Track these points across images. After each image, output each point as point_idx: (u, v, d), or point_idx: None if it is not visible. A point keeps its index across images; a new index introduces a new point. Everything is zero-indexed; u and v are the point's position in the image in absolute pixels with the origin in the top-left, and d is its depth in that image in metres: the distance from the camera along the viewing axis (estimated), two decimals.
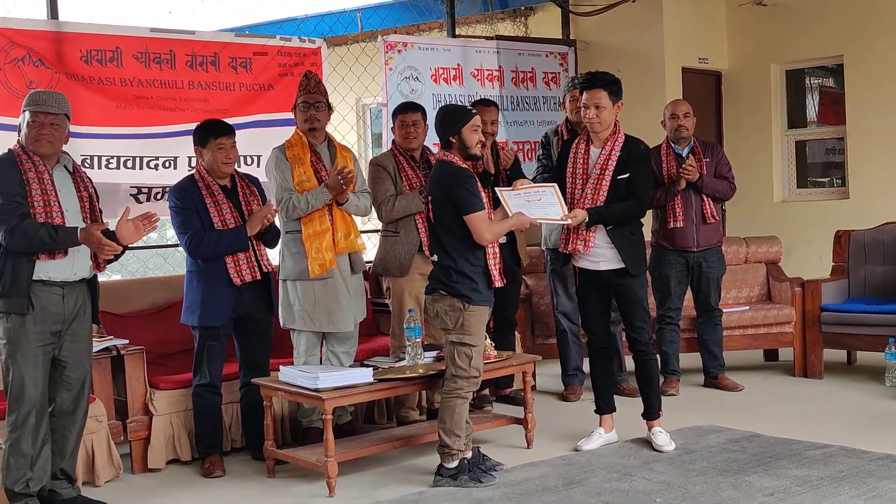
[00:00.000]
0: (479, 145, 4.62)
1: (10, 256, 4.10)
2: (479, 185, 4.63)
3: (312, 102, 5.19)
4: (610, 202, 4.86)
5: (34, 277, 4.12)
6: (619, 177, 4.87)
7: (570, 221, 4.81)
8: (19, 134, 4.23)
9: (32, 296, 4.12)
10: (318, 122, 5.21)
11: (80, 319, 4.31)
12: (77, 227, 4.17)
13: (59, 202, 4.20)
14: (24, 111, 4.21)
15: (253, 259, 4.91)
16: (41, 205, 4.14)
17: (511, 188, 4.81)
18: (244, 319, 4.97)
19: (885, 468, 4.45)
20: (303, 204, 5.04)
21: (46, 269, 4.16)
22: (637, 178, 4.91)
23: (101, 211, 4.46)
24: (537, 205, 4.74)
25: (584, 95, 4.92)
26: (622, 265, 4.91)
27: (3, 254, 4.11)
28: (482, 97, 6.56)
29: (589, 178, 4.91)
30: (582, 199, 4.88)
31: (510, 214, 4.68)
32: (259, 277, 4.92)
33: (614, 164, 4.88)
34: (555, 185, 4.81)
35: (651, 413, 5.08)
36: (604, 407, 5.14)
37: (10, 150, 4.24)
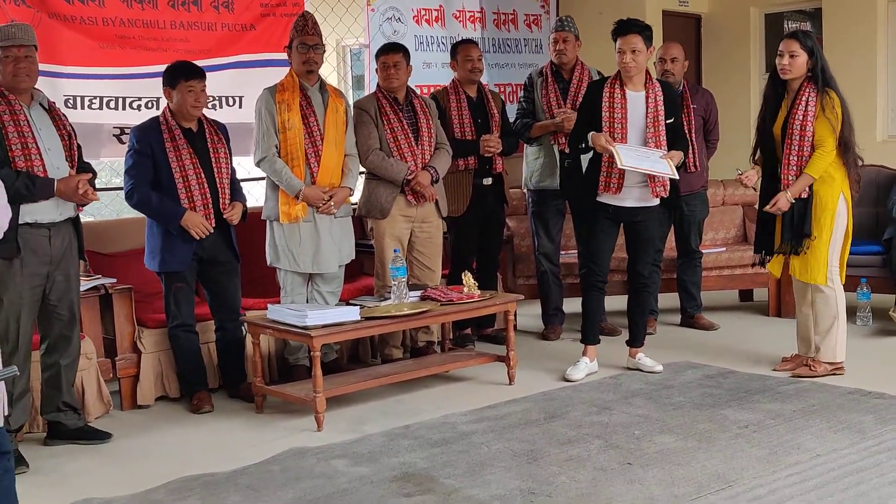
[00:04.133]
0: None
1: None
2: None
3: (311, 45, 5.18)
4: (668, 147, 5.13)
5: (20, 221, 4.12)
6: (667, 122, 5.11)
7: (677, 176, 5.04)
8: None
9: (20, 239, 4.13)
10: (316, 65, 5.22)
11: (67, 259, 4.36)
12: (54, 180, 4.17)
13: (36, 143, 4.17)
14: None
15: (210, 208, 4.90)
16: (19, 147, 4.11)
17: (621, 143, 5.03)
18: (209, 262, 5.00)
19: (854, 402, 4.61)
20: (276, 176, 5.11)
21: (33, 211, 4.18)
22: (679, 121, 5.29)
23: (79, 147, 4.46)
24: (646, 158, 4.98)
25: (619, 41, 5.06)
26: (646, 203, 5.14)
27: None
28: (464, 38, 6.59)
29: (637, 124, 5.07)
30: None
31: (618, 160, 4.88)
32: (212, 230, 4.90)
33: (663, 110, 5.09)
34: (663, 150, 5.05)
35: (637, 340, 5.37)
36: (590, 337, 5.35)
37: None
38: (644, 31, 5.07)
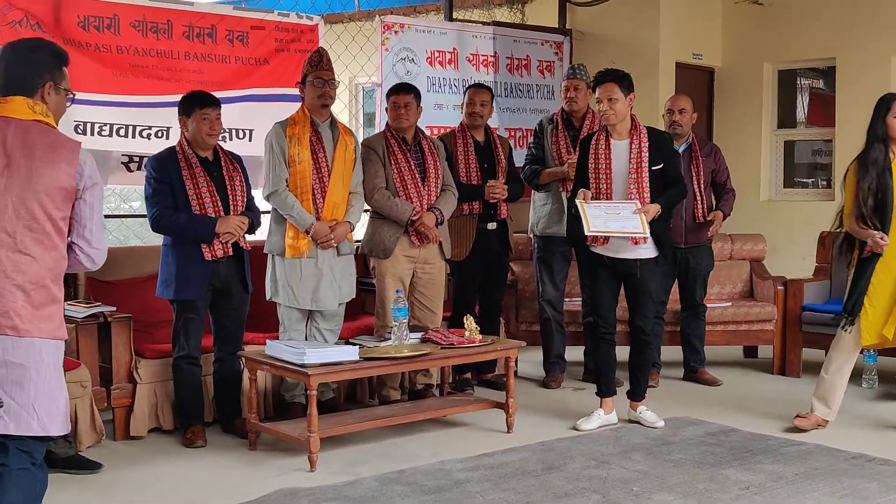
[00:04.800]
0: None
1: None
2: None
3: (327, 80, 5.20)
4: (652, 193, 5.04)
5: None
6: (653, 168, 5.05)
7: (648, 234, 4.93)
8: None
9: None
10: (330, 100, 5.23)
11: None
12: None
13: None
14: None
15: None
16: None
17: (592, 201, 4.97)
18: (221, 293, 4.98)
19: (859, 467, 4.52)
20: (287, 210, 5.08)
21: None
22: (671, 167, 5.18)
23: None
24: (616, 217, 4.92)
25: (597, 91, 5.08)
26: (642, 255, 5.06)
27: None
28: (476, 82, 6.60)
29: (621, 173, 5.03)
30: (628, 196, 5.01)
31: (585, 226, 4.86)
32: (231, 253, 4.93)
33: (647, 156, 5.03)
34: (636, 201, 4.95)
35: (638, 394, 5.28)
36: (605, 390, 5.28)
37: None
38: (621, 79, 5.06)
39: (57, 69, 3.20)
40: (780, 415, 5.40)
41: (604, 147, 5.08)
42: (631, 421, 5.29)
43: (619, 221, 4.93)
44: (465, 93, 6.10)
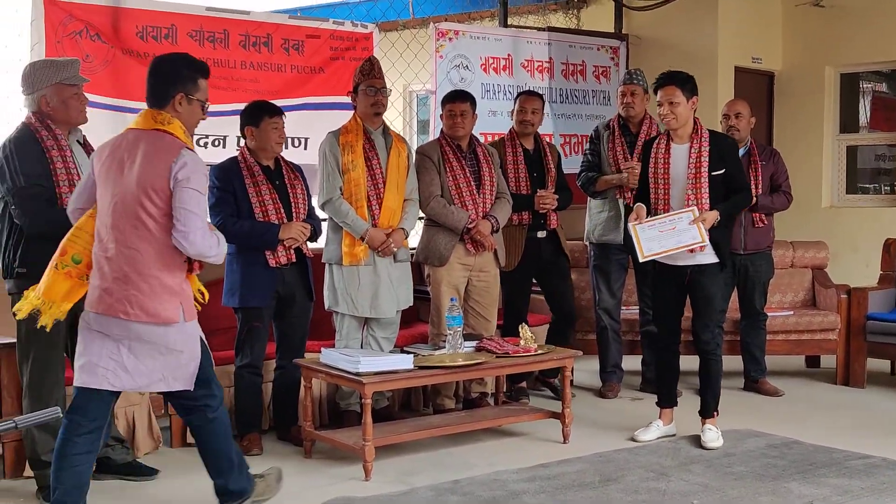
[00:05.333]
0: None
1: (35, 238, 4.02)
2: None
3: (379, 87, 5.20)
4: (712, 199, 4.90)
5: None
6: (714, 173, 4.91)
7: (707, 243, 4.80)
8: (43, 105, 4.11)
9: None
10: (383, 108, 5.24)
11: None
12: None
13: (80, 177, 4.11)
14: (51, 83, 4.10)
15: None
16: (66, 184, 4.06)
17: (646, 220, 4.87)
18: (285, 300, 5.00)
19: None
20: (342, 217, 5.09)
21: None
22: (735, 171, 5.02)
23: None
24: (671, 233, 4.81)
25: (659, 94, 4.97)
26: (698, 260, 4.92)
27: (27, 235, 4.04)
28: (531, 88, 6.54)
29: (679, 178, 4.92)
30: (685, 202, 4.88)
31: (640, 252, 4.80)
32: (294, 260, 4.95)
33: (707, 160, 4.90)
34: (693, 208, 4.83)
35: (705, 411, 5.09)
36: (664, 400, 5.17)
37: (24, 123, 4.13)
38: (684, 82, 4.93)
39: (190, 81, 3.56)
40: (844, 427, 5.26)
41: (663, 151, 4.98)
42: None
43: (675, 236, 4.82)
44: (515, 100, 6.05)
